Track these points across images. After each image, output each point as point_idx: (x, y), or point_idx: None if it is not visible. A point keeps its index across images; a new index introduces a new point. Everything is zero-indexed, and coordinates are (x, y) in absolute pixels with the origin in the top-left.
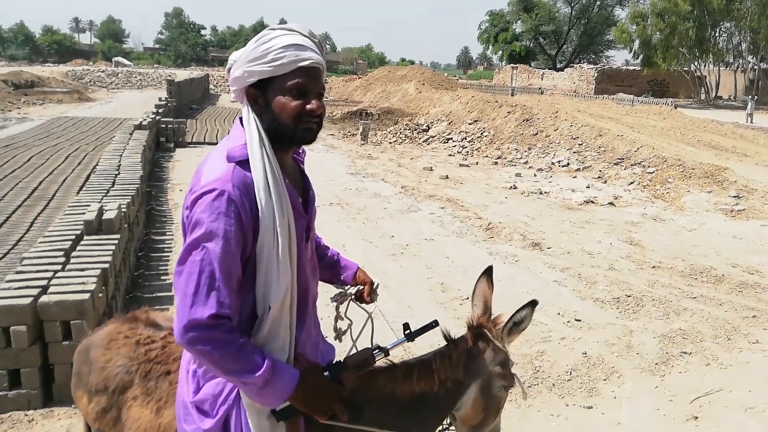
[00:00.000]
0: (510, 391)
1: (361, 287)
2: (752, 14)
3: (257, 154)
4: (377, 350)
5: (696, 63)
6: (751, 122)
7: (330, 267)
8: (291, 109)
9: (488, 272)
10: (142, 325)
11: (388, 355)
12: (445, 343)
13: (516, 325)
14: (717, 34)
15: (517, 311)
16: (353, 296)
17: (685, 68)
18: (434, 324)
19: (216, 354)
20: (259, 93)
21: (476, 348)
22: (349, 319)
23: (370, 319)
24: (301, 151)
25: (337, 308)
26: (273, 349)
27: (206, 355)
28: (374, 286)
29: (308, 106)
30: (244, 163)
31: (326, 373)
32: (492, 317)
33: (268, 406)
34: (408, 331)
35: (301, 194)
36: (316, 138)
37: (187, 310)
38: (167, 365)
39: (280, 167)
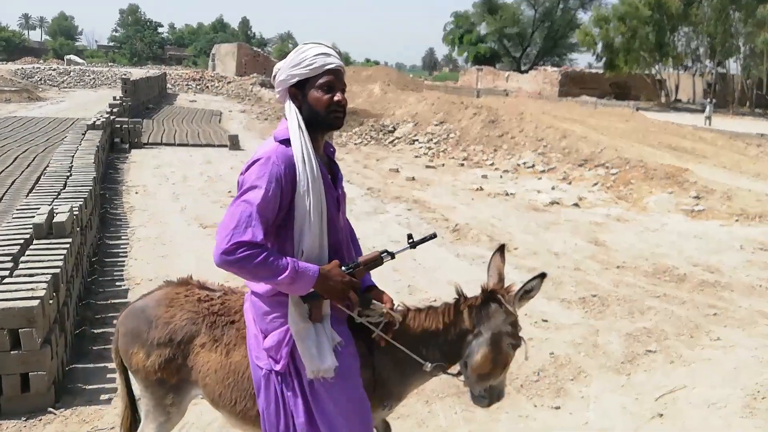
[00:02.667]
0: (517, 350)
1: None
2: (709, 20)
3: (296, 134)
4: (385, 253)
5: (656, 66)
6: (710, 125)
7: None
8: (323, 101)
9: (501, 249)
10: (195, 288)
11: (394, 258)
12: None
13: (527, 293)
14: (676, 39)
15: (529, 281)
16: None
17: (646, 72)
18: (433, 236)
19: (249, 266)
20: (298, 91)
21: (487, 306)
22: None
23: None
24: (332, 149)
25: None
26: None
27: (242, 268)
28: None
29: (335, 98)
30: (286, 142)
31: (343, 269)
32: (505, 286)
33: (298, 294)
34: (411, 240)
35: (330, 174)
36: (343, 124)
37: (227, 238)
38: (230, 316)
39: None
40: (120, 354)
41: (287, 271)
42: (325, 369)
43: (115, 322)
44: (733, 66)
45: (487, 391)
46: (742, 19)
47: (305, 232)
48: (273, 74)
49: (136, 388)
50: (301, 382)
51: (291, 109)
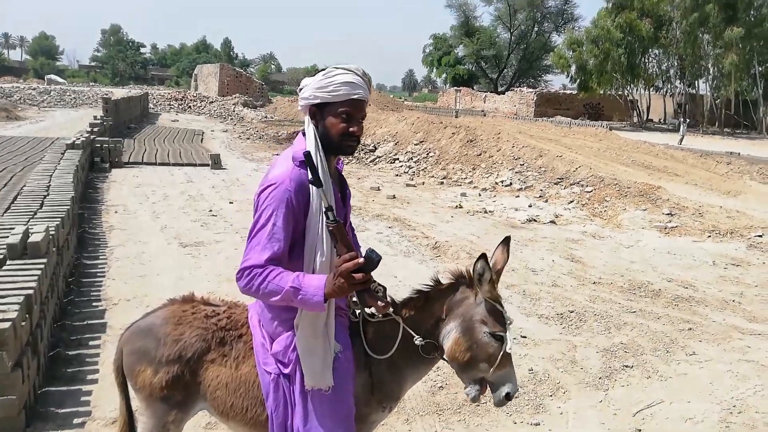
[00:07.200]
0: (502, 341)
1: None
2: (678, 42)
3: (313, 153)
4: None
5: (628, 87)
6: (680, 143)
7: None
8: (338, 128)
9: (506, 241)
10: (200, 304)
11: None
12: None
13: (480, 276)
14: (647, 61)
15: (474, 266)
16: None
17: (618, 92)
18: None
19: (255, 285)
20: (318, 111)
21: (458, 292)
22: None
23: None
24: (340, 162)
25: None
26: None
27: (250, 290)
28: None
29: (351, 129)
30: (302, 164)
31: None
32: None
33: (316, 308)
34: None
35: (339, 192)
36: (355, 151)
37: (242, 261)
38: (238, 330)
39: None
40: (124, 372)
41: (293, 276)
42: (323, 385)
43: (91, 343)
44: (703, 87)
45: (479, 383)
46: (711, 42)
47: (318, 251)
48: (300, 86)
49: (135, 405)
50: (302, 385)
51: (309, 126)
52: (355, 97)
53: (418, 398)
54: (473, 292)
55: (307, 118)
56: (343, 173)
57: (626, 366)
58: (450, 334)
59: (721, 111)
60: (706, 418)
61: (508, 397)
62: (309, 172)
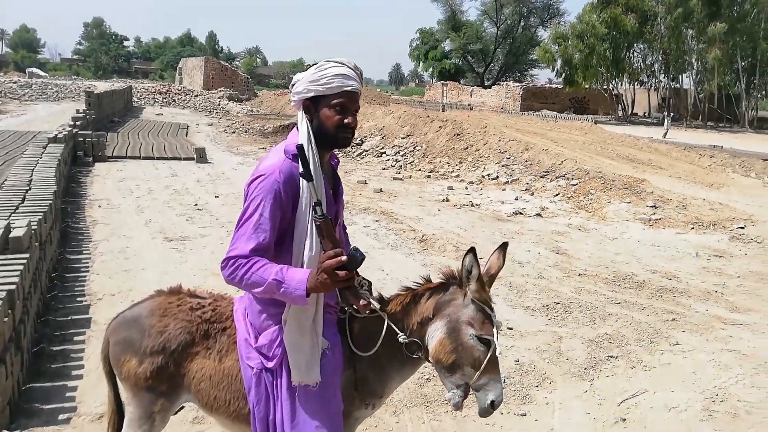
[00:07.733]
0: (492, 347)
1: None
2: (663, 37)
3: (306, 147)
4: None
5: (613, 82)
6: (664, 137)
7: None
8: (334, 120)
9: (503, 247)
10: (186, 296)
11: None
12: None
13: (469, 273)
14: (632, 55)
15: (462, 260)
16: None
17: (603, 87)
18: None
19: (238, 276)
20: (312, 105)
21: (447, 292)
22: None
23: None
24: (336, 160)
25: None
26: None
27: (233, 279)
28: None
29: (346, 120)
30: (294, 157)
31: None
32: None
33: (297, 301)
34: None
35: (332, 188)
36: (351, 143)
37: (228, 250)
38: (222, 323)
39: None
40: (110, 362)
41: (276, 268)
42: (310, 380)
43: (75, 338)
44: (686, 81)
45: (463, 389)
46: (695, 37)
47: (306, 246)
48: (292, 83)
49: (124, 395)
50: (289, 381)
51: (303, 121)
52: (349, 88)
53: (406, 390)
54: (462, 293)
55: (300, 113)
56: (337, 170)
57: (611, 356)
58: (435, 335)
59: (705, 105)
60: (689, 406)
61: (493, 405)
62: (300, 165)
